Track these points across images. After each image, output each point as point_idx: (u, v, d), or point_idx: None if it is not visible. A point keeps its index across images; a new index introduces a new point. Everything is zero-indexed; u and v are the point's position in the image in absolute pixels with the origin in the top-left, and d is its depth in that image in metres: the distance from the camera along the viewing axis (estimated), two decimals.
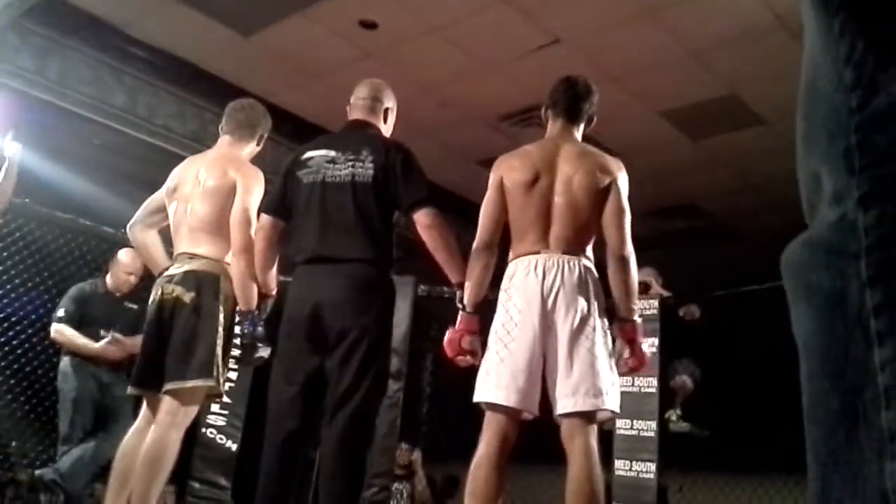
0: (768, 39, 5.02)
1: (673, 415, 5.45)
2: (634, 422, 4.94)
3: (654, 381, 4.96)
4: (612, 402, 2.59)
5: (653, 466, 4.84)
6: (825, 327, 0.51)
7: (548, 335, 2.62)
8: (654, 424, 4.92)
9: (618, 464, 4.94)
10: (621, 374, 2.78)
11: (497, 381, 2.62)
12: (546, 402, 2.66)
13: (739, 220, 7.88)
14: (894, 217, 0.48)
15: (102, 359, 4.70)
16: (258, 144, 3.53)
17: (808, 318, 0.52)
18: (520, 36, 5.30)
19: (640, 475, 4.86)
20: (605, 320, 2.70)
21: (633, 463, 4.89)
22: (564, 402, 2.57)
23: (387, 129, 3.17)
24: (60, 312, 4.74)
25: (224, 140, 3.49)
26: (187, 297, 3.15)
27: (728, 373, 6.09)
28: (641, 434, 4.92)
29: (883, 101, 0.50)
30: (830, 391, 0.50)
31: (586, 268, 2.70)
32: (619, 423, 4.93)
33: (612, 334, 2.74)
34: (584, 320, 2.61)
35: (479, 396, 2.68)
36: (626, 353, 2.75)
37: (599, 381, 2.57)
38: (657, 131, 6.39)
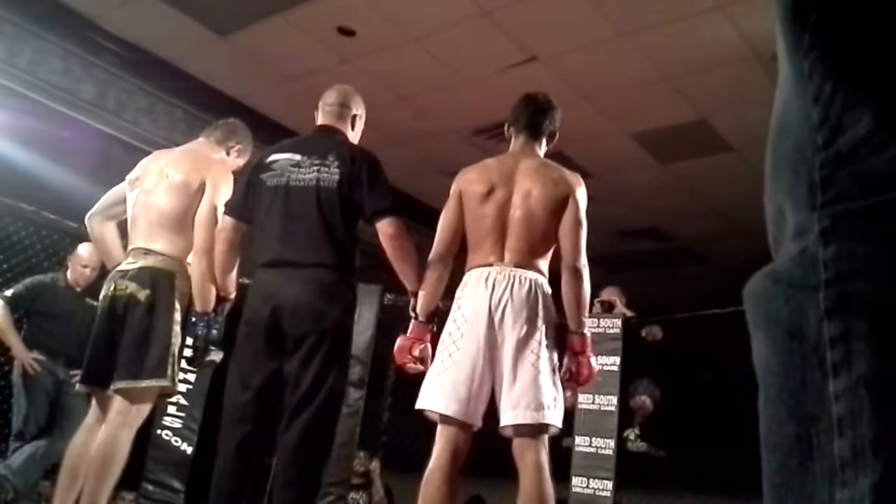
0: (740, 69, 5.10)
1: (631, 434, 5.49)
2: (593, 439, 4.97)
3: (615, 400, 5.00)
4: (553, 417, 2.61)
5: (609, 484, 4.87)
6: (783, 357, 0.52)
7: (494, 348, 2.65)
8: (612, 443, 4.96)
9: (575, 481, 4.96)
10: (568, 388, 2.81)
11: (439, 390, 2.65)
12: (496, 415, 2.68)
13: (704, 244, 7.98)
14: (852, 253, 0.49)
15: (16, 355, 4.69)
16: (228, 155, 3.47)
17: (768, 347, 0.54)
18: (497, 51, 5.33)
19: (597, 493, 4.88)
20: (553, 336, 2.72)
21: (591, 480, 4.92)
22: (506, 415, 2.60)
23: (354, 136, 3.16)
24: (8, 292, 4.70)
25: (197, 140, 3.47)
26: (142, 294, 3.10)
27: (687, 394, 6.16)
28: (600, 452, 4.95)
29: (848, 141, 0.51)
30: (786, 419, 0.51)
31: (537, 282, 2.72)
32: (578, 440, 4.97)
33: (563, 348, 2.77)
34: (530, 334, 2.64)
35: (420, 403, 2.71)
36: (574, 366, 2.78)
37: (541, 395, 2.59)
38: (627, 153, 6.46)
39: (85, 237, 4.78)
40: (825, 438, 0.48)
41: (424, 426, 2.76)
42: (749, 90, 5.20)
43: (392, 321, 5.34)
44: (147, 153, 3.68)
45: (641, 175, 6.79)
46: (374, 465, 6.25)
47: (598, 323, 5.11)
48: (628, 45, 5.09)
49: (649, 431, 5.51)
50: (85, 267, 4.82)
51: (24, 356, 4.62)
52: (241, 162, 3.49)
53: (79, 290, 4.85)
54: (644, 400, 5.62)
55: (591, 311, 5.16)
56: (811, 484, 0.49)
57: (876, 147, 0.50)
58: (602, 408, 5.01)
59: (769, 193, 0.58)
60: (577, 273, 2.72)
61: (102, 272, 4.77)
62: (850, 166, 0.51)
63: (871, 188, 0.49)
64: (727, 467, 5.62)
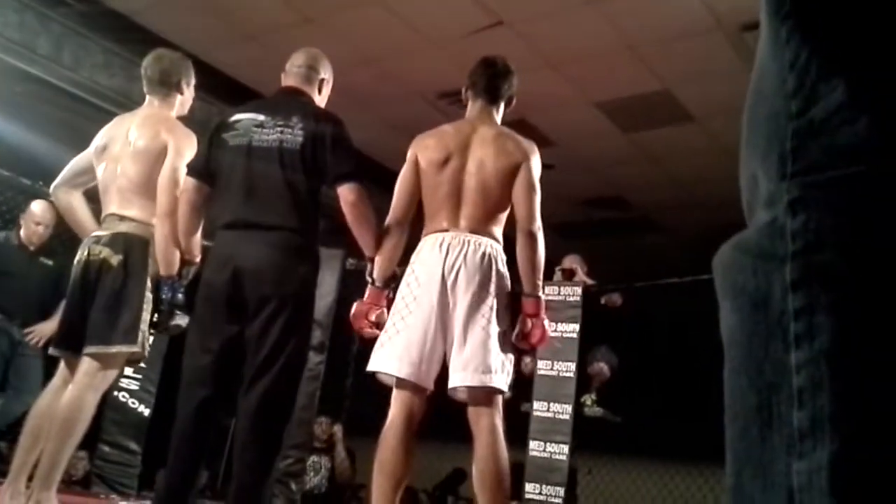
0: (705, 39, 5.12)
1: (588, 399, 5.58)
2: (551, 404, 5.05)
3: (573, 367, 5.08)
4: (499, 381, 2.65)
5: (566, 448, 4.97)
6: (748, 327, 0.52)
7: (446, 311, 2.68)
8: (569, 408, 5.04)
9: (532, 444, 5.04)
10: (522, 349, 2.90)
11: (391, 352, 2.68)
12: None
13: (664, 214, 8.06)
14: (820, 224, 0.50)
15: None
16: (182, 93, 3.38)
17: (734, 317, 0.54)
18: (464, 15, 5.27)
19: (554, 456, 4.97)
20: (505, 302, 2.75)
21: (547, 444, 5.00)
22: (455, 377, 2.65)
23: (321, 100, 3.12)
24: None
25: (150, 100, 3.38)
26: (115, 259, 3.07)
27: (643, 362, 6.27)
28: (557, 417, 5.04)
29: (821, 110, 0.51)
30: (749, 389, 0.52)
31: (491, 248, 2.76)
32: (536, 405, 5.05)
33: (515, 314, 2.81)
34: (482, 299, 2.67)
35: (372, 366, 2.74)
36: (528, 327, 2.80)
37: (490, 358, 2.63)
38: (591, 121, 6.46)
39: (39, 194, 4.69)
40: (785, 409, 0.49)
41: (387, 391, 2.78)
42: (712, 62, 5.23)
43: (355, 286, 5.34)
44: (104, 109, 3.59)
45: (604, 144, 6.81)
46: (337, 429, 6.28)
47: (559, 291, 5.16)
48: (594, 13, 5.07)
49: (606, 397, 5.60)
50: (38, 224, 4.72)
51: None
52: (194, 84, 3.43)
53: (32, 248, 4.76)
54: (601, 367, 5.70)
55: (552, 278, 5.23)
56: (770, 453, 0.50)
57: (847, 119, 0.50)
58: (560, 374, 5.08)
59: (744, 159, 0.58)
60: (531, 236, 2.75)
61: (56, 230, 4.70)
62: (821, 137, 0.51)
63: (840, 160, 0.50)
64: (680, 432, 5.76)
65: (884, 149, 0.49)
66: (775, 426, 0.50)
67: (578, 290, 5.20)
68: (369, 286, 2.90)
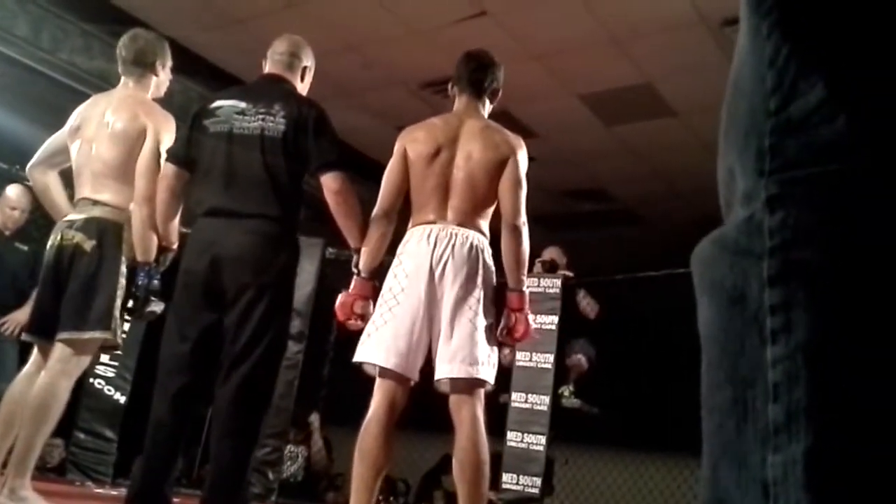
0: (687, 33, 5.14)
1: (566, 391, 5.60)
2: (529, 396, 5.08)
3: (551, 358, 5.11)
4: (486, 373, 2.67)
5: (543, 439, 5.00)
6: (725, 322, 0.53)
7: (433, 303, 2.69)
8: (547, 399, 5.07)
9: (510, 435, 5.07)
10: (506, 344, 2.90)
11: (378, 343, 2.68)
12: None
13: (644, 207, 8.09)
14: (797, 221, 0.50)
15: None
16: (158, 75, 3.33)
17: (711, 312, 0.54)
18: (447, 3, 5.26)
19: (531, 447, 5.00)
20: (491, 295, 2.77)
21: (525, 435, 5.03)
22: (441, 368, 2.66)
23: (303, 88, 3.10)
24: None
25: (125, 81, 3.33)
26: (88, 244, 3.03)
27: (621, 354, 6.31)
28: (535, 408, 5.07)
29: (799, 108, 0.51)
30: (725, 383, 0.52)
31: (478, 241, 2.77)
32: (514, 396, 5.07)
33: (500, 307, 2.82)
34: (469, 291, 2.69)
35: (359, 357, 2.74)
36: (512, 322, 2.83)
37: (476, 350, 2.65)
38: (573, 113, 6.47)
39: (15, 179, 4.63)
40: (761, 403, 0.50)
41: (365, 380, 2.78)
42: (694, 55, 5.25)
43: (334, 275, 5.33)
44: (83, 92, 3.53)
45: (586, 136, 6.82)
46: (314, 418, 6.28)
47: (539, 282, 5.18)
48: (578, 4, 5.07)
49: (583, 389, 5.63)
50: (14, 209, 4.67)
51: None
52: (170, 65, 3.38)
53: (7, 233, 4.70)
54: (579, 359, 5.73)
55: (532, 270, 5.25)
56: (745, 446, 0.50)
57: (826, 116, 0.50)
58: (539, 365, 5.11)
59: (722, 154, 0.58)
60: (516, 231, 2.77)
61: (32, 215, 4.64)
62: (799, 134, 0.51)
63: (819, 157, 0.50)
64: (657, 424, 5.80)
65: (862, 146, 0.49)
66: (751, 420, 0.50)
67: (558, 282, 5.23)
68: (355, 277, 2.88)
